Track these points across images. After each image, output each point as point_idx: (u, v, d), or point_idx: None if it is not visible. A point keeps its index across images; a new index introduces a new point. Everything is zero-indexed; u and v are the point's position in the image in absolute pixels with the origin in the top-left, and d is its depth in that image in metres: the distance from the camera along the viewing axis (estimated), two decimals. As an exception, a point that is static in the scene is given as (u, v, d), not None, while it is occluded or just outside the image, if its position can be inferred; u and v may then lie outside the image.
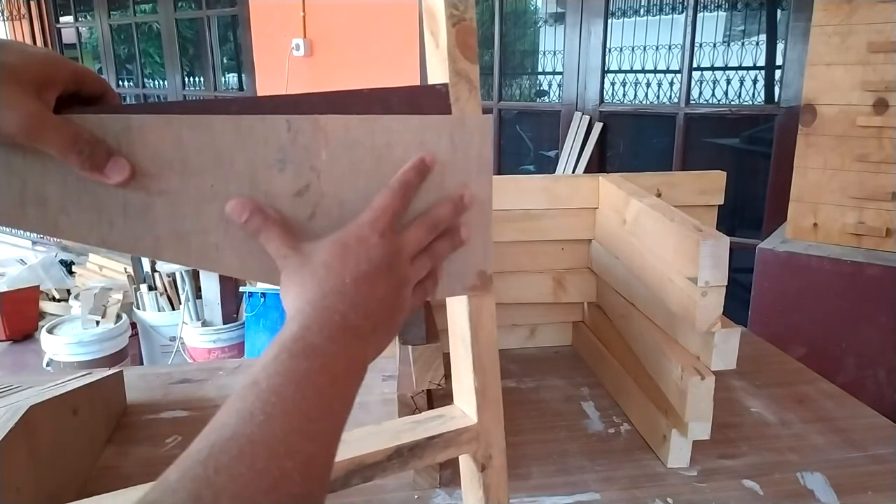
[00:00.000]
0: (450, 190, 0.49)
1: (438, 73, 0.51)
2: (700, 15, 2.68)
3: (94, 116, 0.43)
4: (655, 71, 2.90)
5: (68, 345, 2.68)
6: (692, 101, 2.77)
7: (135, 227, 0.44)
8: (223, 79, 4.53)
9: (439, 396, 0.77)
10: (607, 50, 2.92)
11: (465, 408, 0.57)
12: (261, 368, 0.37)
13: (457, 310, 0.55)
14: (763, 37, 2.67)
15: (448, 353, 0.76)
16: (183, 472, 0.30)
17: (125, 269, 3.32)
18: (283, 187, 0.46)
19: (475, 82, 0.50)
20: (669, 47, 2.84)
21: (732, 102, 2.73)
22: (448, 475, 0.76)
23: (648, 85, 2.94)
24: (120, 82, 5.01)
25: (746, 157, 2.82)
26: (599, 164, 2.98)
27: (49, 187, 0.43)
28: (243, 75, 4.19)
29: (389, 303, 0.44)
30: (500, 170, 3.26)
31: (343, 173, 0.47)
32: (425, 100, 0.49)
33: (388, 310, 0.44)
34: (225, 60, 4.57)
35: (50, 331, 2.77)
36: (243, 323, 2.77)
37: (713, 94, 2.77)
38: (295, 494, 0.32)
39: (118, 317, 2.89)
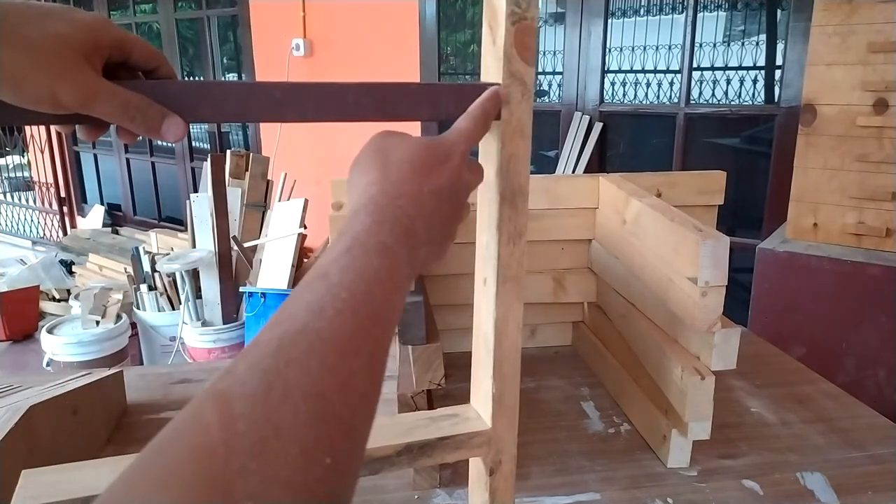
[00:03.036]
0: None
1: (492, 72, 0.48)
2: (700, 15, 2.68)
3: (150, 82, 0.42)
4: (655, 71, 2.90)
5: (68, 345, 2.68)
6: (692, 101, 2.77)
7: None
8: (223, 79, 4.52)
9: (439, 396, 0.77)
10: (607, 50, 2.92)
11: (480, 410, 0.57)
12: (332, 261, 0.35)
13: (483, 312, 0.54)
14: (763, 37, 2.67)
15: (448, 353, 0.75)
16: (252, 363, 0.29)
17: (125, 269, 3.32)
18: None
19: (529, 85, 0.48)
20: (669, 47, 2.84)
21: (732, 102, 2.73)
22: (448, 475, 0.76)
23: (648, 85, 2.94)
24: (120, 82, 5.00)
25: (746, 157, 2.82)
26: (599, 164, 2.98)
27: None
28: (243, 75, 4.19)
29: (448, 225, 0.44)
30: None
31: None
32: (474, 99, 0.47)
33: (446, 231, 0.43)
34: (225, 60, 4.57)
35: (50, 331, 2.77)
36: (243, 323, 2.77)
37: (713, 94, 2.77)
38: (362, 394, 0.31)
39: (118, 317, 2.89)
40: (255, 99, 0.44)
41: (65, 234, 5.38)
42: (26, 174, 6.06)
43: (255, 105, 0.44)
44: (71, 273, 4.14)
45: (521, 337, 0.54)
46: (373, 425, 0.33)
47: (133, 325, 3.00)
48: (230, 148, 4.12)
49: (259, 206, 3.10)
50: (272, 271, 2.81)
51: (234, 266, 2.92)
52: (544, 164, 3.28)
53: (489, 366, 0.54)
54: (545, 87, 3.36)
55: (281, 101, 0.44)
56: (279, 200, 3.04)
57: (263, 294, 2.57)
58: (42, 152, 5.42)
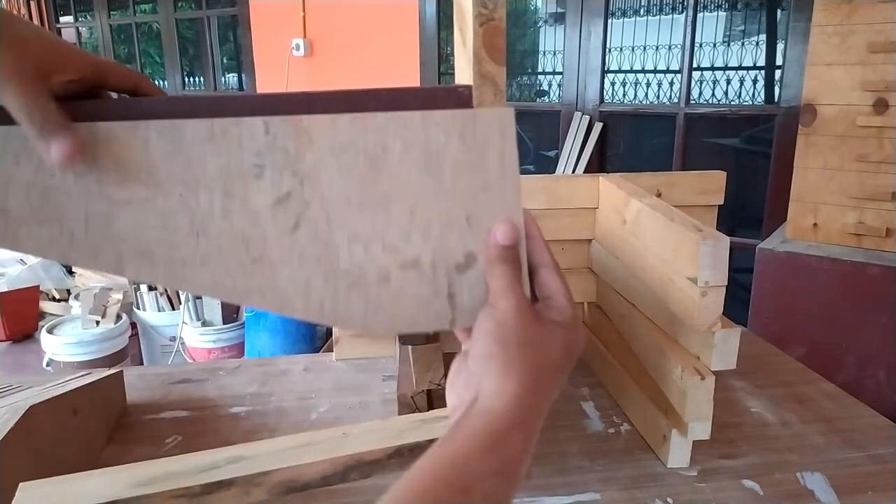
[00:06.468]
0: (466, 203, 0.45)
1: (465, 74, 0.48)
2: (700, 15, 2.68)
3: (117, 99, 0.43)
4: (655, 71, 2.90)
5: (68, 345, 2.68)
6: (692, 101, 2.77)
7: (96, 240, 0.42)
8: (223, 79, 4.52)
9: (439, 396, 0.77)
10: (607, 50, 2.92)
11: None
12: (478, 478, 0.35)
13: None
14: (763, 37, 2.67)
15: (448, 353, 0.75)
16: None
17: (125, 269, 3.31)
18: (261, 196, 0.42)
19: (501, 86, 0.48)
20: (669, 47, 2.84)
21: (732, 102, 2.73)
22: (448, 475, 0.76)
23: (648, 85, 2.94)
24: (120, 82, 5.01)
25: (746, 157, 2.82)
26: (599, 164, 2.98)
27: (11, 199, 0.41)
28: (243, 75, 4.19)
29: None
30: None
31: (331, 179, 0.43)
32: (446, 102, 0.46)
33: None
34: (225, 60, 4.57)
35: (50, 331, 2.77)
36: (243, 323, 2.77)
37: (713, 94, 2.77)
38: None
39: (118, 317, 2.89)
40: (223, 112, 0.43)
41: (65, 234, 5.37)
42: (26, 174, 6.05)
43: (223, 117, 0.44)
44: (71, 273, 4.14)
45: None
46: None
47: (133, 325, 3.00)
48: (230, 148, 4.11)
49: (259, 206, 3.10)
50: (272, 271, 2.81)
51: (234, 266, 2.92)
52: (544, 164, 3.28)
53: None
54: (545, 87, 3.36)
55: (250, 113, 0.43)
56: (279, 200, 3.04)
57: (263, 294, 2.57)
58: (42, 152, 5.42)
